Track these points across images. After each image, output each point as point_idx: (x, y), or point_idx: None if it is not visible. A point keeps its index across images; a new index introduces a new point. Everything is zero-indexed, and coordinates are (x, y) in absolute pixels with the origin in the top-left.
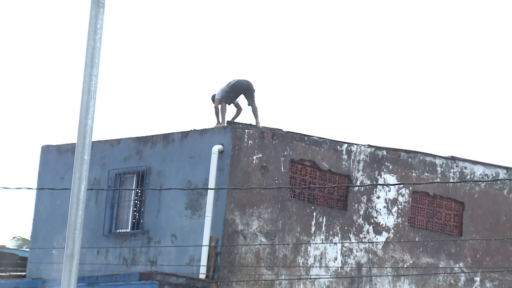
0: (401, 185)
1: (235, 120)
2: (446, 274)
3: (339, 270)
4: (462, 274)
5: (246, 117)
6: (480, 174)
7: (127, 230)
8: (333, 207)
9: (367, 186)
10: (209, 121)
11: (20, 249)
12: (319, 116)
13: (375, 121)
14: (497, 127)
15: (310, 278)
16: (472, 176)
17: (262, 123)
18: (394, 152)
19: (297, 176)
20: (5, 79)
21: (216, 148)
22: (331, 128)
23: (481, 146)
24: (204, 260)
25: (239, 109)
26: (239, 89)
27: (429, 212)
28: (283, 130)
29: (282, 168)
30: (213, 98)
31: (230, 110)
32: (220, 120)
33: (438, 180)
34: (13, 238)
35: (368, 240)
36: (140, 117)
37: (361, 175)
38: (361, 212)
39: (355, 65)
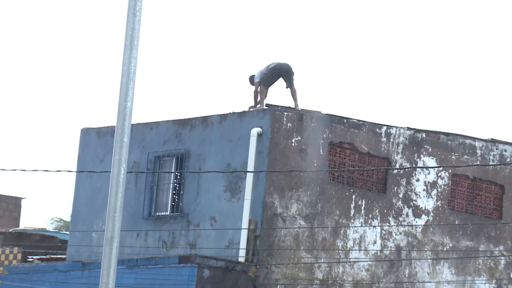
0: (441, 168)
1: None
2: (486, 258)
3: (379, 254)
4: (502, 258)
5: (285, 99)
6: None
7: (166, 213)
8: (372, 190)
9: (406, 169)
10: (248, 104)
11: (60, 231)
12: (358, 98)
13: (415, 103)
14: None
15: (349, 261)
16: None
17: (301, 106)
18: (433, 135)
19: (336, 159)
20: (46, 62)
21: (255, 130)
22: (370, 111)
23: None
24: (243, 243)
25: (262, 96)
26: (278, 72)
27: (469, 195)
28: (322, 112)
29: (321, 150)
30: (251, 79)
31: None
32: (259, 103)
33: (478, 162)
34: (52, 219)
35: (407, 223)
36: (179, 99)
37: (401, 158)
38: (401, 195)
39: (394, 47)
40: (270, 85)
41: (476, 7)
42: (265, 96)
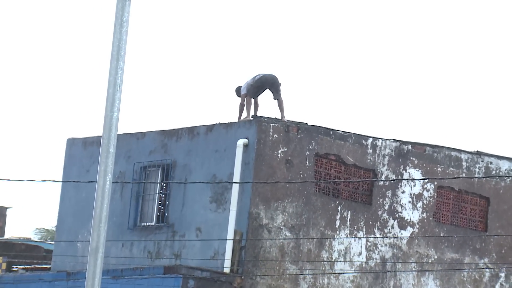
0: (426, 180)
1: (258, 114)
2: (470, 270)
3: (364, 265)
4: (487, 270)
5: (271, 110)
6: (505, 169)
7: (151, 224)
8: (357, 201)
9: (392, 181)
10: (234, 115)
11: (45, 241)
12: (345, 110)
13: (401, 115)
14: None
15: (335, 273)
16: (497, 171)
17: (287, 117)
18: (419, 147)
19: (322, 170)
20: (31, 72)
21: (241, 141)
22: (356, 122)
23: (507, 141)
24: (228, 254)
25: (257, 105)
26: (265, 84)
27: (454, 207)
28: (308, 124)
29: (307, 162)
30: (237, 90)
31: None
32: (245, 114)
33: (464, 175)
34: (36, 229)
35: (392, 235)
36: (166, 110)
37: (386, 170)
38: (386, 207)
39: (380, 59)
40: (256, 97)
41: (460, 21)
42: (257, 107)
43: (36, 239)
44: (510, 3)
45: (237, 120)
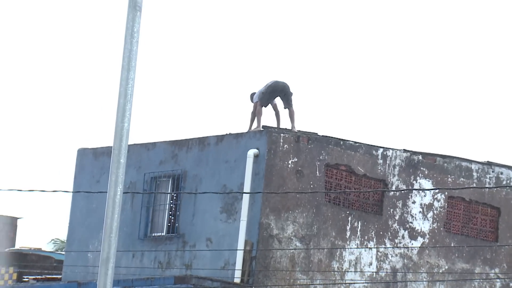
0: (437, 190)
1: (267, 125)
2: (481, 280)
3: (374, 275)
4: (498, 280)
5: (282, 121)
6: None
7: (162, 234)
8: (368, 211)
9: (402, 191)
10: (245, 125)
11: (55, 252)
12: (355, 120)
13: (411, 125)
14: None
15: (345, 283)
16: (508, 181)
17: (297, 127)
18: (429, 157)
19: (332, 181)
20: (42, 82)
21: (251, 152)
22: (366, 133)
23: None
24: (239, 264)
25: (277, 112)
26: (276, 91)
27: (465, 218)
28: (319, 134)
29: (317, 172)
30: (252, 96)
31: (268, 113)
32: (255, 125)
33: (474, 185)
34: (52, 240)
35: (403, 245)
36: (176, 120)
37: (397, 180)
38: (397, 217)
39: (391, 70)
40: (267, 105)
41: (468, 28)
42: (278, 116)
43: (51, 250)
44: None
45: (247, 128)
